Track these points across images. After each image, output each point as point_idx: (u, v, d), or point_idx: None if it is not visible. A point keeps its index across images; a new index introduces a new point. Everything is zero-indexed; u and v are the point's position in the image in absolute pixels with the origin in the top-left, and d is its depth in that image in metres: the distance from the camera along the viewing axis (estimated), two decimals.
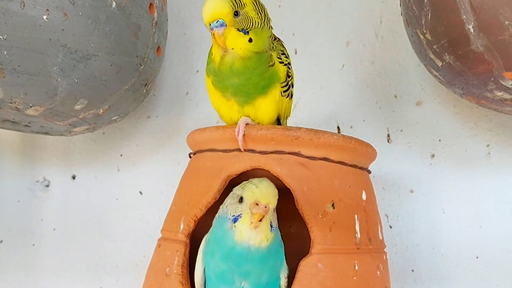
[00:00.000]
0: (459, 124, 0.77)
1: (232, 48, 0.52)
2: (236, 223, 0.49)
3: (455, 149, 0.77)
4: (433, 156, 0.77)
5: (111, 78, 0.67)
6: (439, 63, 0.59)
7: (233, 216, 0.50)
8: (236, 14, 0.52)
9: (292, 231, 0.65)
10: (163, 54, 0.79)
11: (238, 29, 0.52)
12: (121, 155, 0.92)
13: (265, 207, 0.49)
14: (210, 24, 0.51)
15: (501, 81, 0.54)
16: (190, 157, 0.63)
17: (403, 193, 0.78)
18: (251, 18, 0.53)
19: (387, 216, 0.78)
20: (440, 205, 0.76)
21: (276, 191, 0.51)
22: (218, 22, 0.51)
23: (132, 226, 0.89)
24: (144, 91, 0.76)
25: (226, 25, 0.51)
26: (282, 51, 0.57)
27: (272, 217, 0.50)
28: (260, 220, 0.48)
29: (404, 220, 0.77)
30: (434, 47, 0.58)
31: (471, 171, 0.75)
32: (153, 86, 0.80)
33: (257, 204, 0.49)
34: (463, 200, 0.75)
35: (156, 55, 0.74)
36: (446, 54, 0.57)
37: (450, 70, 0.58)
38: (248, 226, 0.49)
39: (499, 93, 0.57)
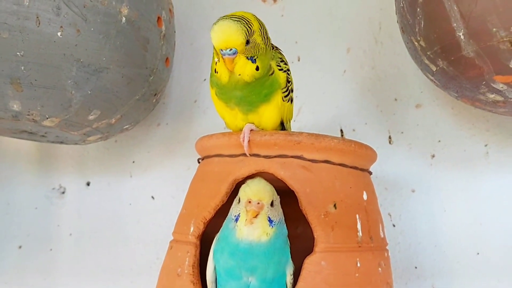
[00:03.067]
0: (458, 125, 0.77)
1: (239, 74, 0.53)
2: (237, 222, 0.51)
3: (454, 149, 0.77)
4: (433, 156, 0.78)
5: (123, 89, 0.68)
6: (434, 68, 0.60)
7: (235, 216, 0.52)
8: (247, 42, 0.51)
9: (298, 231, 0.65)
10: (171, 65, 0.80)
11: (247, 57, 0.52)
12: (133, 162, 0.93)
13: (258, 203, 0.50)
14: (221, 50, 0.51)
15: (492, 84, 0.55)
16: (199, 162, 0.64)
17: (405, 193, 0.78)
18: (258, 45, 0.53)
19: (390, 215, 0.78)
20: (441, 204, 0.76)
21: (268, 187, 0.52)
22: (231, 50, 0.51)
23: (145, 229, 0.90)
24: (154, 100, 0.77)
25: (237, 53, 0.51)
26: (280, 58, 0.58)
27: (270, 212, 0.51)
28: (255, 217, 0.50)
29: (406, 219, 0.78)
30: (428, 53, 0.59)
31: (471, 170, 0.76)
32: (162, 95, 0.81)
33: (250, 202, 0.50)
34: (463, 198, 0.75)
35: (165, 65, 0.75)
36: (439, 59, 0.58)
37: (444, 75, 0.60)
38: (244, 223, 0.50)
39: (492, 96, 0.58)
